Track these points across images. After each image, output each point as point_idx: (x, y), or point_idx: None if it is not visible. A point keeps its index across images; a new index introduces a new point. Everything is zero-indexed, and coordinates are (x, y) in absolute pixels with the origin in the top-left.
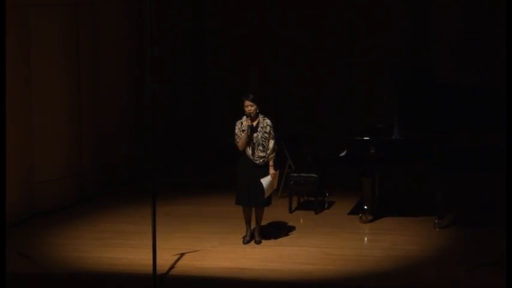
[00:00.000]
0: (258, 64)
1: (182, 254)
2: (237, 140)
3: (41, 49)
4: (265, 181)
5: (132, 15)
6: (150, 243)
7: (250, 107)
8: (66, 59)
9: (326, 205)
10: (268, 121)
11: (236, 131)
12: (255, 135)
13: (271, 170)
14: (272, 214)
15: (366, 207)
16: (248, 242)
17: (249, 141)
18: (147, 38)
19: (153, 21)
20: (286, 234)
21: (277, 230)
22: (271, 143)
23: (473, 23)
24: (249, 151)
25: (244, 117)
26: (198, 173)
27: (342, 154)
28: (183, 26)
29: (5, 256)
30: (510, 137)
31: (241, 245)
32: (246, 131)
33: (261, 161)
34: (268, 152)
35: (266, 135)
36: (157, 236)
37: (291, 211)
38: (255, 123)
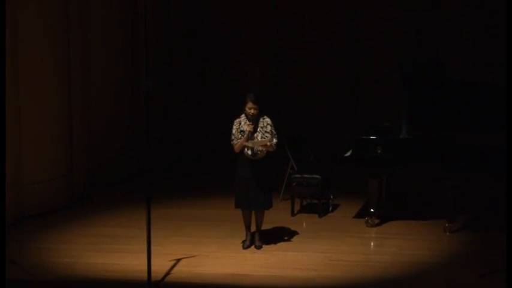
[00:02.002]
0: (259, 62)
1: (178, 260)
2: (234, 140)
3: (30, 45)
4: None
5: (126, 8)
6: (145, 248)
7: (253, 110)
8: (56, 56)
9: (330, 208)
10: (268, 120)
11: (234, 130)
12: (254, 135)
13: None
14: (273, 217)
15: (372, 210)
16: (248, 247)
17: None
18: (142, 33)
19: (148, 17)
20: (288, 239)
21: (279, 235)
22: (274, 141)
23: (485, 18)
24: (249, 152)
25: (243, 116)
26: (196, 174)
27: (347, 154)
28: (180, 23)
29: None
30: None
31: (240, 250)
32: (245, 135)
33: (262, 150)
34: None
35: (267, 134)
36: (152, 240)
37: (293, 214)
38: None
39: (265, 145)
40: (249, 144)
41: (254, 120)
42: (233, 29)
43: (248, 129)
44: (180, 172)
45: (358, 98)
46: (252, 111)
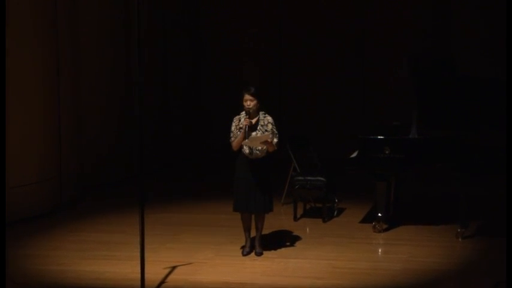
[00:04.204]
0: (260, 59)
1: (173, 267)
2: (232, 137)
3: (18, 45)
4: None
5: (118, 2)
6: (138, 255)
7: (250, 101)
8: (45, 55)
9: (335, 212)
10: (269, 118)
11: (232, 128)
12: (253, 133)
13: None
14: (275, 222)
15: (380, 214)
16: (248, 253)
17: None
18: (135, 29)
19: (141, 12)
20: (291, 245)
21: (281, 240)
22: (275, 141)
23: (495, 15)
24: (246, 150)
25: (243, 113)
26: (192, 177)
27: (353, 155)
28: (176, 19)
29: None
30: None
31: (240, 257)
32: (243, 130)
33: (261, 148)
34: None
35: (267, 133)
36: (146, 247)
37: (296, 219)
38: (254, 121)
39: (266, 141)
40: (248, 142)
41: (252, 114)
42: (232, 25)
43: (245, 123)
44: (176, 175)
45: (365, 96)
46: (248, 102)
